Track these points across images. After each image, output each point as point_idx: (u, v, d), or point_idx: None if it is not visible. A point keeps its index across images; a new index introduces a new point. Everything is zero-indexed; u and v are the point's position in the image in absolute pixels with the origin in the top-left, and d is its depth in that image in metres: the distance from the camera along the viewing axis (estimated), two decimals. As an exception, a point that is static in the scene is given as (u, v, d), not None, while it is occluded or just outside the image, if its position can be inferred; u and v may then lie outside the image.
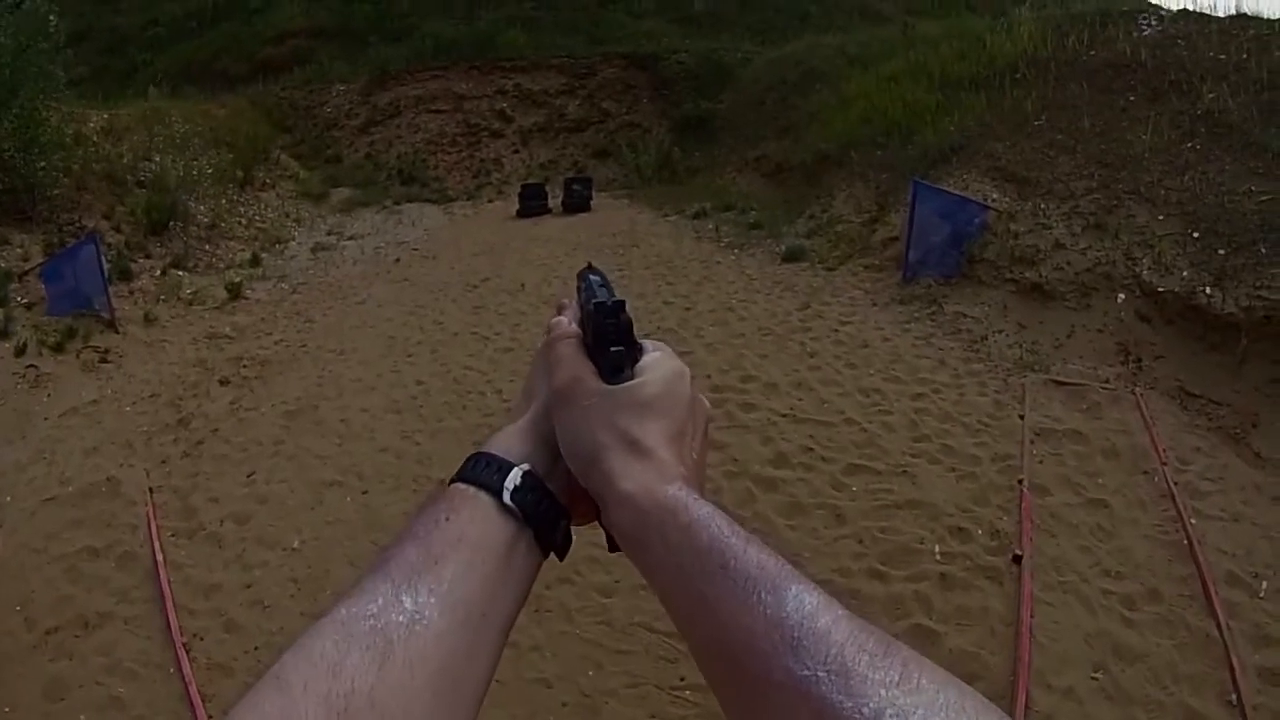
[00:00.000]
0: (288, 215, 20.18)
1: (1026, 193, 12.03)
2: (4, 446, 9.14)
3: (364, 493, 7.52)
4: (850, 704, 0.52)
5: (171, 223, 15.93)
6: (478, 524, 0.72)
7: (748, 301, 11.99)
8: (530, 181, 22.52)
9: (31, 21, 14.05)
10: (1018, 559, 5.77)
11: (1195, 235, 9.88)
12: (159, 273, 14.39)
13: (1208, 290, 9.05)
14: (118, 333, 12.03)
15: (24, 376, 10.49)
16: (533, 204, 20.89)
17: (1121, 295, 9.76)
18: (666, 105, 26.45)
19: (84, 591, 6.44)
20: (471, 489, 0.76)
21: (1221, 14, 16.17)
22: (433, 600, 0.64)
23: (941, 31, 20.11)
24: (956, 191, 12.27)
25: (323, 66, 29.04)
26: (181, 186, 16.69)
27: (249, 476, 8.03)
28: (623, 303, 0.85)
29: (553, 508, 0.78)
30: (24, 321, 11.57)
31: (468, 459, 0.80)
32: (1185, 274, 9.42)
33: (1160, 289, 9.47)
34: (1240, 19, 15.29)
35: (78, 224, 14.28)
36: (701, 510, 0.68)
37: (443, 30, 29.81)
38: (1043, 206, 11.55)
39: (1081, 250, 10.51)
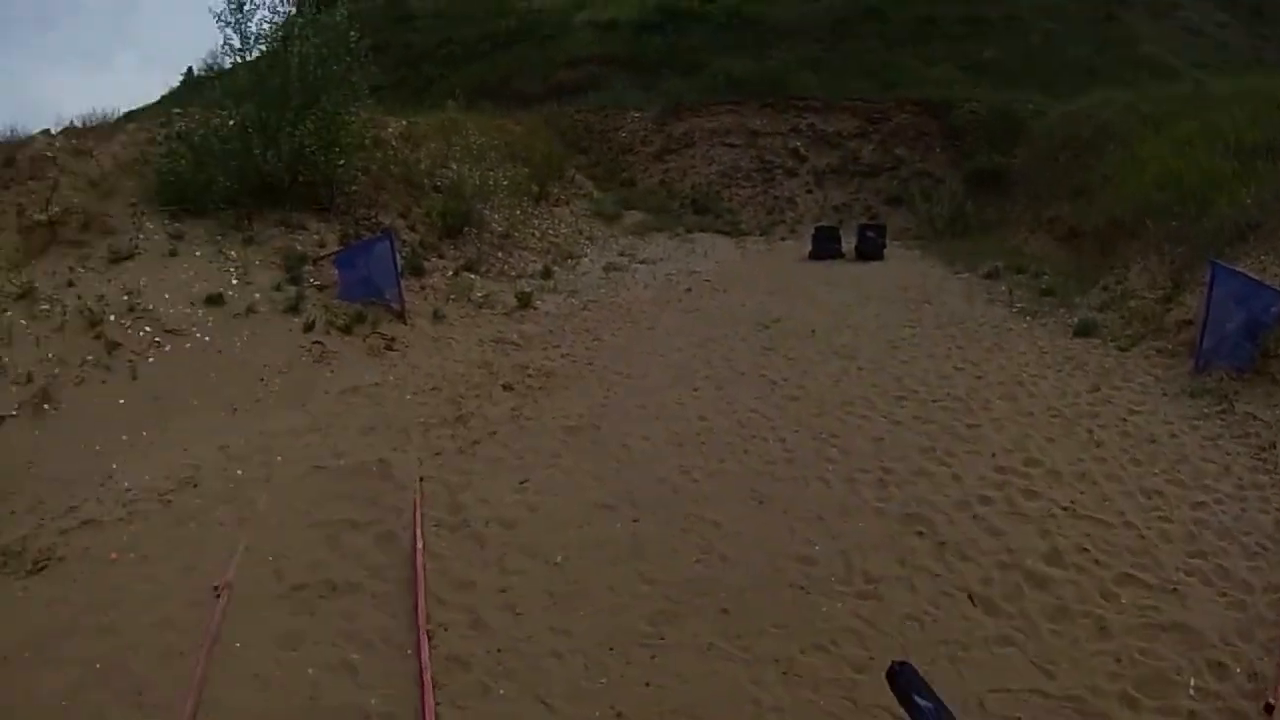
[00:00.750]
0: (580, 232, 20.68)
1: None
2: (283, 410, 9.56)
3: (635, 520, 7.24)
4: None
5: (466, 228, 16.58)
6: None
7: (1038, 377, 11.32)
8: (824, 224, 22.21)
9: (334, 34, 14.94)
10: (1269, 709, 4.92)
11: None
12: (451, 274, 14.88)
13: None
14: (405, 324, 12.49)
15: (310, 351, 11.02)
16: (826, 247, 20.66)
17: None
18: (958, 155, 25.98)
19: (338, 559, 6.49)
20: None
21: None
22: None
23: (1232, 91, 18.87)
24: (1253, 275, 11.08)
25: (616, 92, 29.93)
26: (477, 195, 17.29)
27: (521, 483, 7.93)
28: None
29: None
30: (315, 301, 12.19)
31: None
32: None
33: None
34: None
35: (373, 219, 15.05)
36: None
37: (734, 67, 29.97)
38: None
39: None
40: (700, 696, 5.06)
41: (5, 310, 9.86)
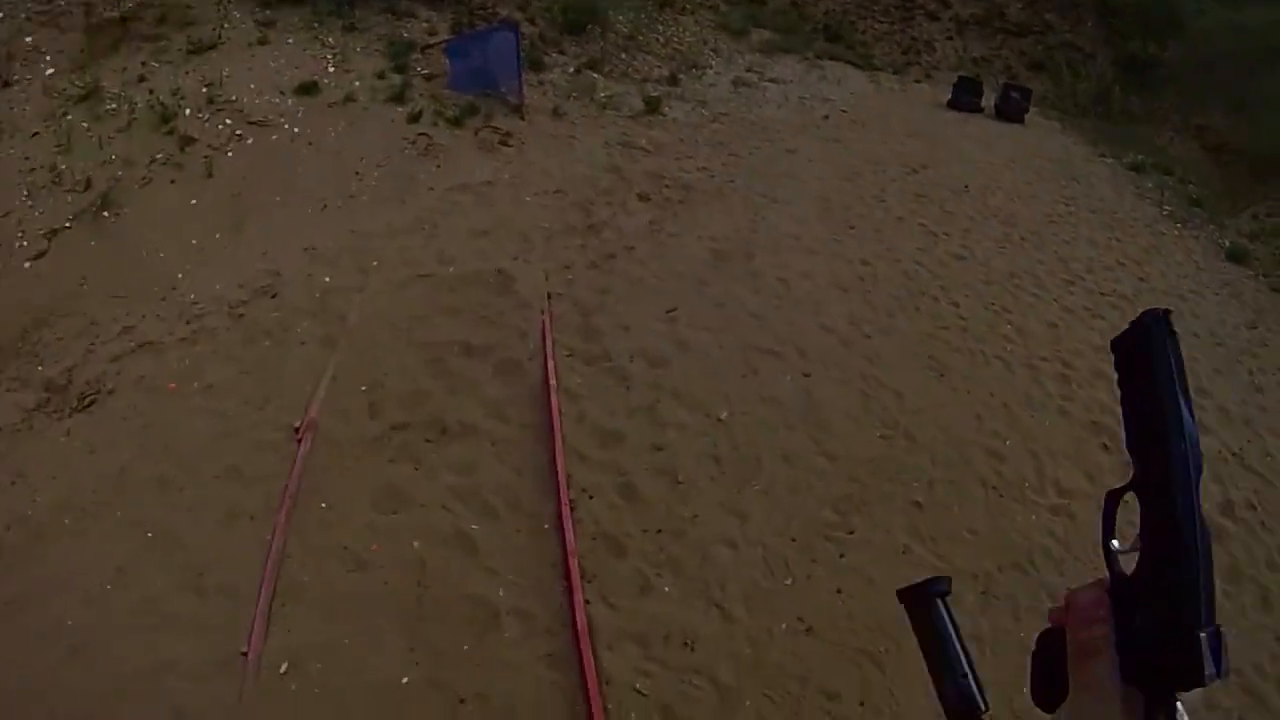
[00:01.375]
0: (705, 43, 18.73)
1: None
2: (380, 206, 8.11)
3: (806, 375, 6.20)
4: None
5: (590, 26, 15.18)
6: None
7: (1197, 294, 10.54)
8: (966, 75, 20.47)
9: None
10: None
11: None
12: (573, 70, 13.45)
13: None
14: (523, 119, 10.95)
15: (414, 143, 9.50)
16: (967, 99, 19.00)
17: None
18: (1109, 34, 23.69)
19: (447, 392, 5.25)
20: None
21: None
22: None
23: None
24: None
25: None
26: (602, -9, 15.85)
27: (669, 312, 6.65)
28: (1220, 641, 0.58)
29: None
30: (422, 90, 10.68)
31: None
32: None
33: None
34: None
35: (490, 9, 13.73)
36: None
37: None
38: None
39: None
40: (896, 612, 3.94)
41: (65, 114, 8.56)
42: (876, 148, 13.29)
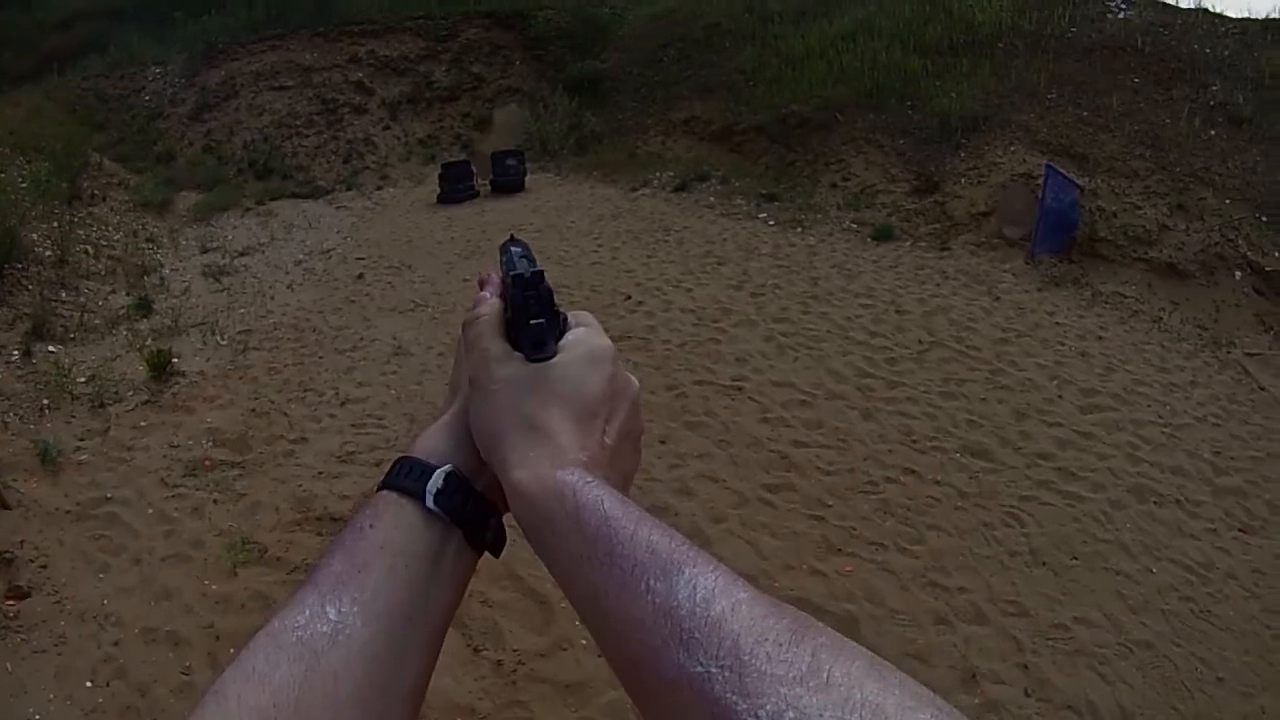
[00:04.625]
0: (136, 234, 14.77)
1: (1087, 169, 12.24)
2: None
3: None
4: (745, 705, 0.46)
5: (6, 266, 10.35)
6: (402, 530, 0.70)
7: (901, 289, 10.59)
8: (451, 160, 18.94)
9: None
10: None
11: (1263, 220, 11.01)
12: (18, 354, 8.75)
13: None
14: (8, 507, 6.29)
15: None
16: (460, 186, 17.46)
17: (1238, 273, 10.51)
18: (544, 67, 24.07)
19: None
20: (395, 495, 0.72)
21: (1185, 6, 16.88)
22: (356, 609, 0.64)
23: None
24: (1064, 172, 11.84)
25: (127, 48, 24.22)
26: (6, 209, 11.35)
27: None
28: (541, 273, 0.78)
29: (479, 507, 0.74)
30: None
31: (393, 463, 0.75)
32: (1278, 255, 10.57)
33: (1268, 268, 10.43)
34: (1206, 14, 16.29)
35: None
36: (591, 494, 0.62)
37: (267, -7, 25.21)
38: (1113, 184, 11.92)
39: (1186, 230, 11.06)
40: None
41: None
42: (445, 288, 11.47)
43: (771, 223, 13.60)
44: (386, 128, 23.29)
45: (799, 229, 13.19)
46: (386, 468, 0.75)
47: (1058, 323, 9.69)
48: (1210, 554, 5.89)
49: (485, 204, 16.80)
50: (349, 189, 19.83)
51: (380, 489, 0.73)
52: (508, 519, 0.74)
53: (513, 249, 0.88)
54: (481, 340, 0.77)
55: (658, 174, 17.00)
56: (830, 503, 6.08)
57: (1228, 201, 11.40)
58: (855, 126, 15.38)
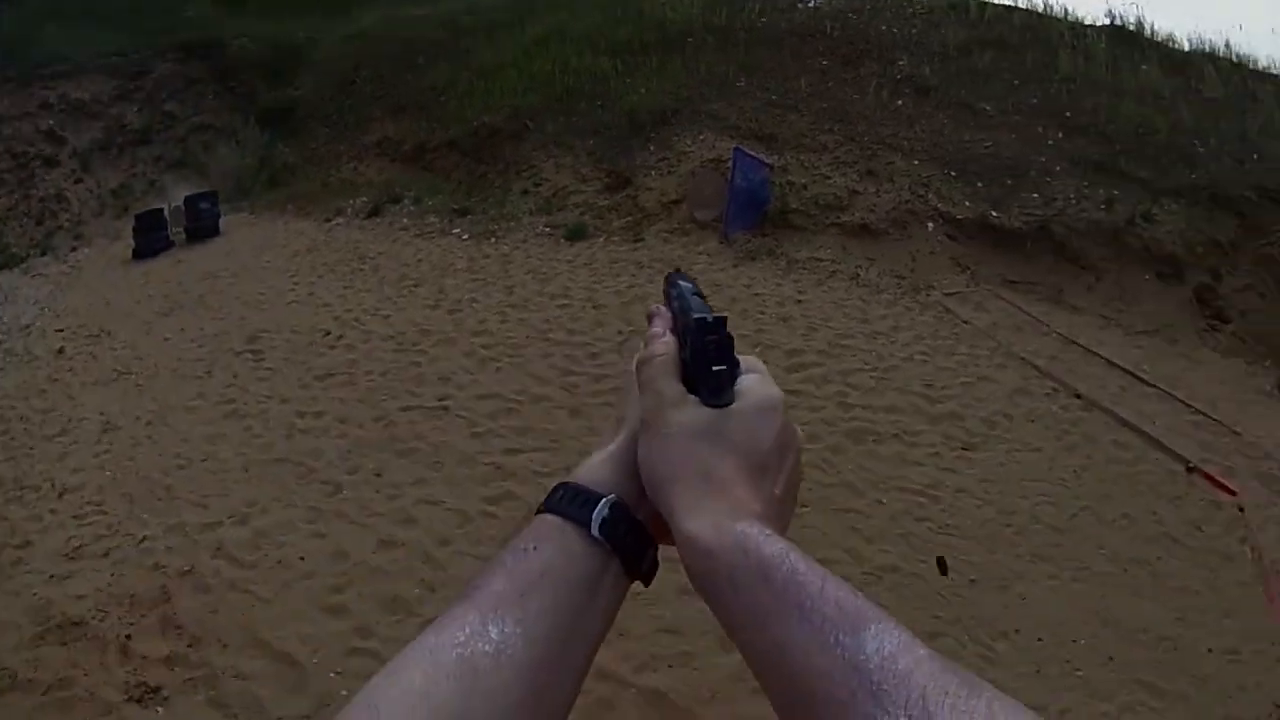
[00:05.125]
0: None
1: (776, 148, 12.84)
2: None
3: None
4: None
5: None
6: (564, 556, 0.69)
7: (598, 283, 10.61)
8: (141, 212, 17.05)
9: None
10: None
11: (952, 175, 12.03)
12: None
13: (995, 213, 11.35)
14: None
15: None
16: (154, 237, 15.91)
17: (930, 224, 11.33)
18: (238, 100, 22.50)
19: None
20: (558, 519, 0.71)
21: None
22: (518, 631, 0.63)
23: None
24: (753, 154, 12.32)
25: None
26: None
27: None
28: (724, 318, 0.76)
29: (640, 537, 0.73)
30: None
31: (555, 488, 0.75)
32: (968, 204, 11.51)
33: (959, 216, 11.37)
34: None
35: None
36: (774, 547, 0.62)
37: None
38: (802, 159, 12.57)
39: (876, 193, 11.79)
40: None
41: None
42: (137, 344, 10.47)
43: (465, 237, 13.34)
44: (79, 180, 20.67)
45: (493, 239, 13.04)
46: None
47: (756, 294, 9.88)
48: (937, 476, 6.26)
49: (180, 253, 15.48)
50: (43, 254, 17.60)
51: (541, 512, 0.72)
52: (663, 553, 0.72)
53: (682, 283, 0.87)
54: (656, 381, 0.75)
55: (351, 201, 16.40)
56: (551, 504, 5.84)
57: (916, 163, 12.23)
58: (546, 131, 15.41)
